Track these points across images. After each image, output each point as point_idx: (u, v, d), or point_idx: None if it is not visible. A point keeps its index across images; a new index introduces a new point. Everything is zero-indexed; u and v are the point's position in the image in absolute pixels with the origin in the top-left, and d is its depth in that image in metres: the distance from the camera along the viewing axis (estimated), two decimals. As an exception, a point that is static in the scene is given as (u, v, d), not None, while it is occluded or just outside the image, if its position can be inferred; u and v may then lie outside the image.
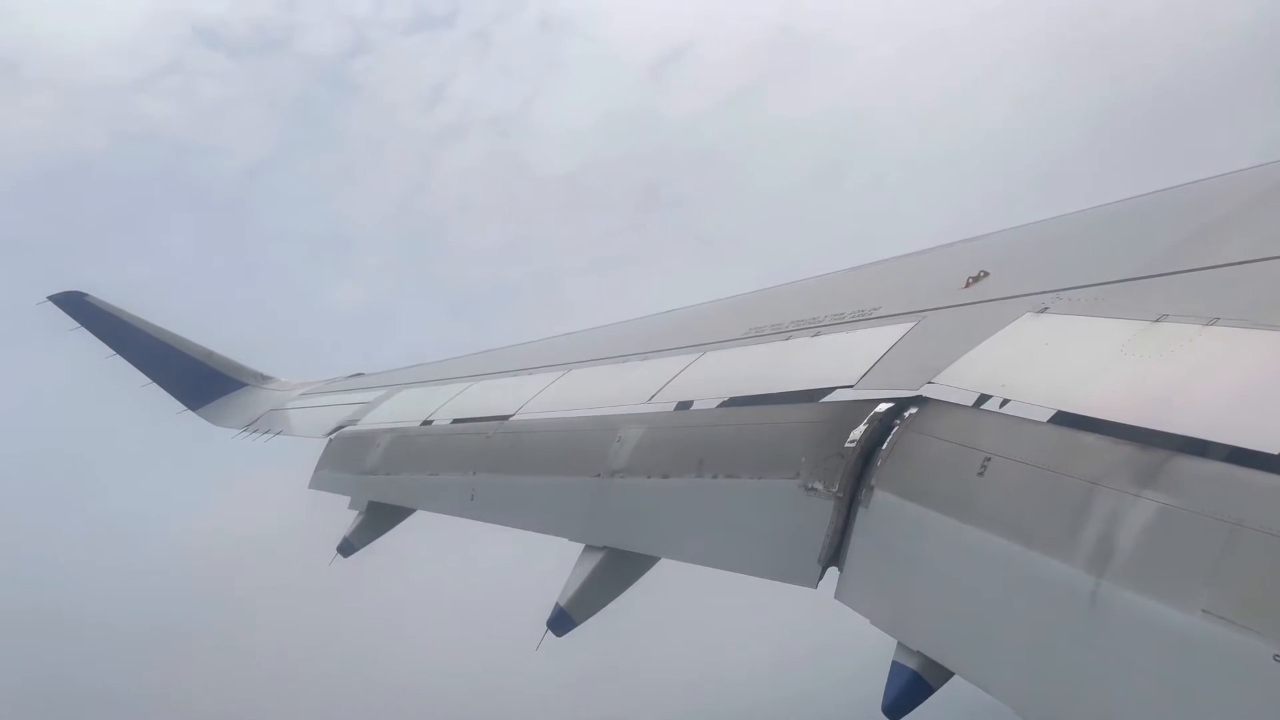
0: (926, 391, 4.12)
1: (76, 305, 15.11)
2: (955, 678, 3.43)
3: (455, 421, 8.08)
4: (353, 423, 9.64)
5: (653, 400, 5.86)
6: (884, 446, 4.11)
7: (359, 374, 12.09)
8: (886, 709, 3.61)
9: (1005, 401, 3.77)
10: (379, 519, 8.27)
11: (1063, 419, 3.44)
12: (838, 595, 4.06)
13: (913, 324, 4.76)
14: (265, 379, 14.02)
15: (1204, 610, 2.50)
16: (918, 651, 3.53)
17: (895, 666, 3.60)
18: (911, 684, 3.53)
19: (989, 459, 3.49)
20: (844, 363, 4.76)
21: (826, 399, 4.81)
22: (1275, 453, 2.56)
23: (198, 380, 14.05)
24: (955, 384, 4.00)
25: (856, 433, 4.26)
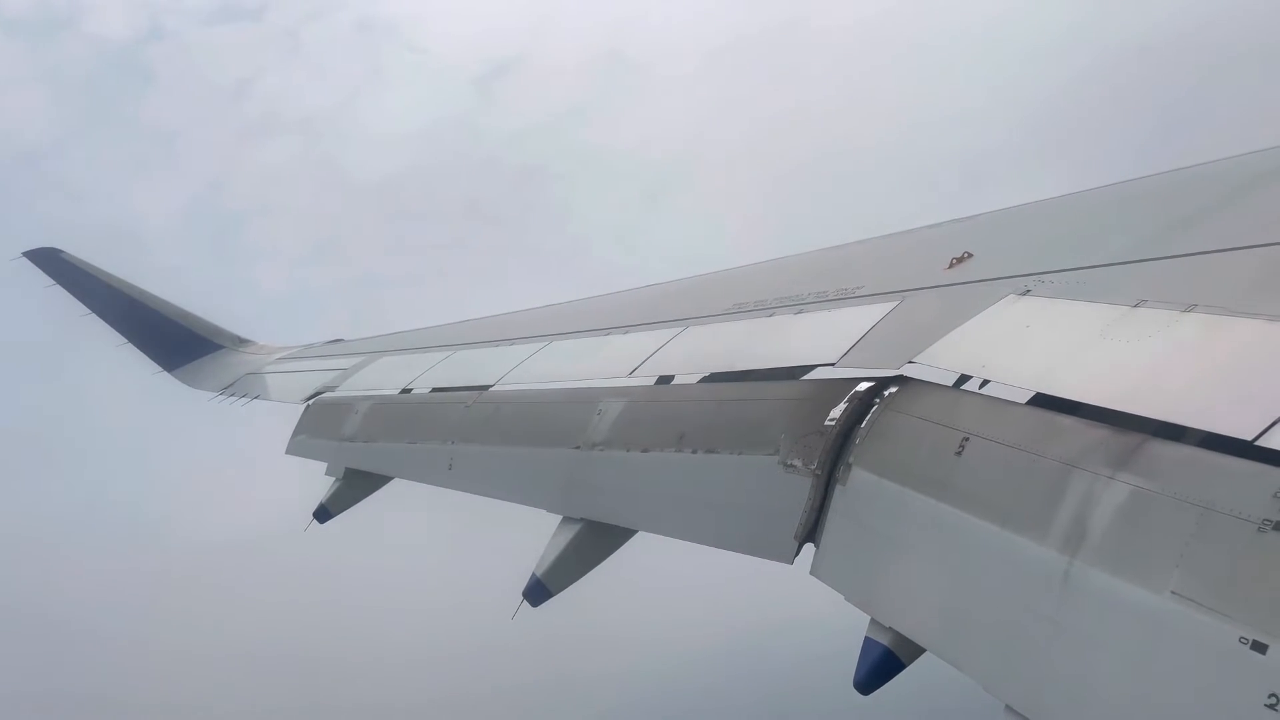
0: (907, 371, 4.13)
1: (52, 262, 14.89)
2: (926, 654, 3.47)
3: (435, 390, 8.05)
4: (331, 389, 9.58)
5: (634, 374, 5.86)
6: (863, 425, 4.13)
7: (338, 340, 12.00)
8: (858, 684, 3.65)
9: (985, 382, 3.79)
10: (356, 486, 8.25)
11: (1041, 401, 3.47)
12: (813, 571, 4.09)
13: (895, 304, 4.77)
14: (242, 342, 13.89)
15: (1173, 592, 2.54)
16: (890, 628, 3.57)
17: (868, 642, 3.64)
18: (883, 660, 3.57)
19: (967, 439, 3.51)
20: (826, 341, 4.77)
21: (807, 377, 4.82)
22: (1249, 438, 2.59)
23: (174, 341, 13.90)
24: (936, 364, 4.02)
25: (836, 411, 4.28)
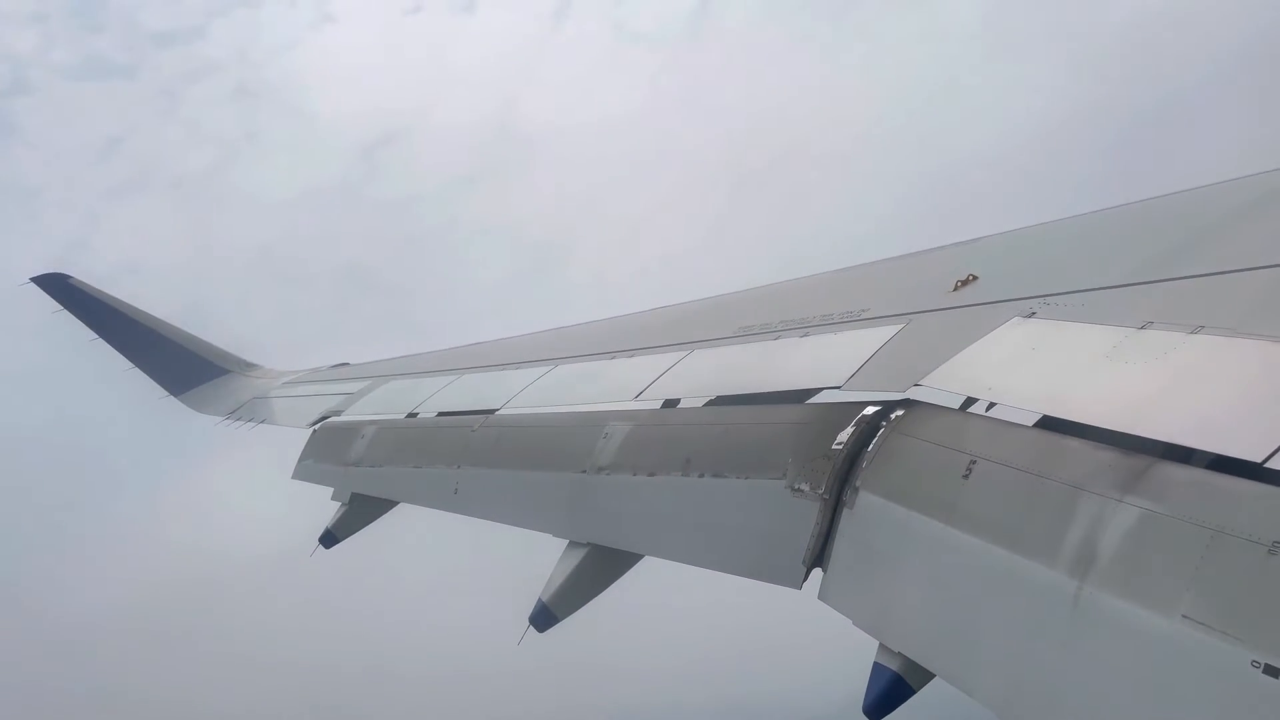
0: (913, 394, 4.13)
1: (60, 287, 14.98)
2: (936, 679, 3.44)
3: (441, 414, 8.05)
4: (337, 413, 9.59)
5: (640, 397, 5.85)
6: (870, 448, 4.12)
7: (343, 364, 12.03)
8: (867, 709, 3.62)
9: (991, 405, 3.79)
10: (362, 511, 8.23)
11: (1048, 423, 3.46)
12: (821, 596, 4.06)
13: (901, 326, 4.77)
14: (249, 366, 13.93)
15: (1184, 616, 2.52)
16: (899, 653, 3.54)
17: (877, 668, 3.61)
18: (893, 685, 3.54)
19: (974, 462, 3.50)
20: (832, 364, 4.77)
21: (814, 400, 4.81)
22: (1258, 460, 2.58)
23: (181, 366, 13.95)
24: (942, 387, 4.01)
25: (843, 434, 4.27)
